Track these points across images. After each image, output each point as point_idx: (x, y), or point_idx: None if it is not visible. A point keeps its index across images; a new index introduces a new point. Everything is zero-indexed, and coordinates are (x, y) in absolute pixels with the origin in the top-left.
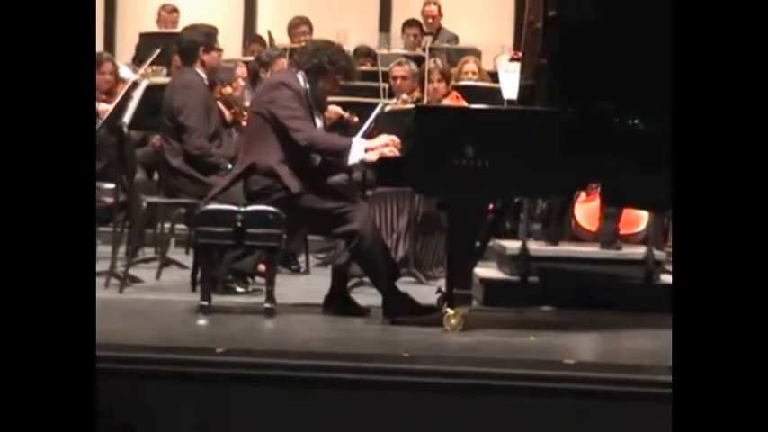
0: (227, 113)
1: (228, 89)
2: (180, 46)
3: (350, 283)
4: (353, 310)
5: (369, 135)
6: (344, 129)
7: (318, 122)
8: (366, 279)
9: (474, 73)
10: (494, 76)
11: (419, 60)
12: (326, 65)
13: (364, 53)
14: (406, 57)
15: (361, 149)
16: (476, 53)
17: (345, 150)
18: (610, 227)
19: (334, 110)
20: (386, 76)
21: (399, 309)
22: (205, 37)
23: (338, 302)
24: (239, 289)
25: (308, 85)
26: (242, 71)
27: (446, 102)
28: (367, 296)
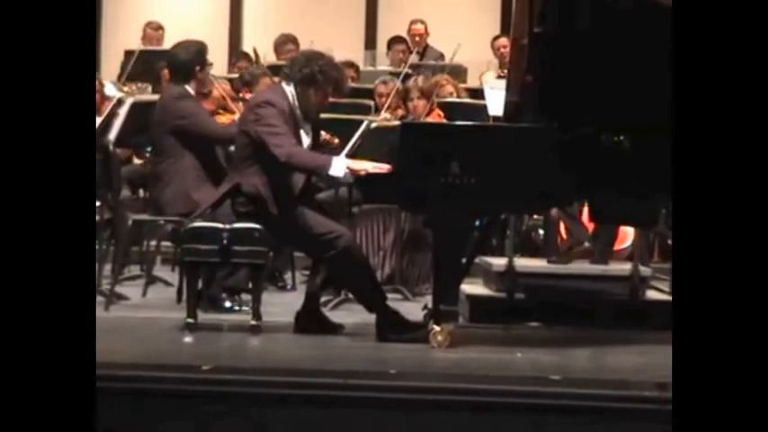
0: (223, 119)
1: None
2: (174, 64)
3: (337, 300)
4: (325, 327)
5: (354, 152)
6: (326, 150)
7: (306, 138)
8: (351, 296)
9: (452, 94)
10: (476, 93)
11: (405, 77)
12: (317, 74)
13: (346, 65)
14: (392, 74)
15: (342, 167)
16: (461, 70)
17: (324, 168)
18: (601, 246)
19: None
20: (370, 93)
21: (389, 328)
22: (199, 55)
23: (309, 320)
24: (229, 304)
25: (296, 101)
26: (224, 87)
27: (429, 120)
28: (355, 313)
